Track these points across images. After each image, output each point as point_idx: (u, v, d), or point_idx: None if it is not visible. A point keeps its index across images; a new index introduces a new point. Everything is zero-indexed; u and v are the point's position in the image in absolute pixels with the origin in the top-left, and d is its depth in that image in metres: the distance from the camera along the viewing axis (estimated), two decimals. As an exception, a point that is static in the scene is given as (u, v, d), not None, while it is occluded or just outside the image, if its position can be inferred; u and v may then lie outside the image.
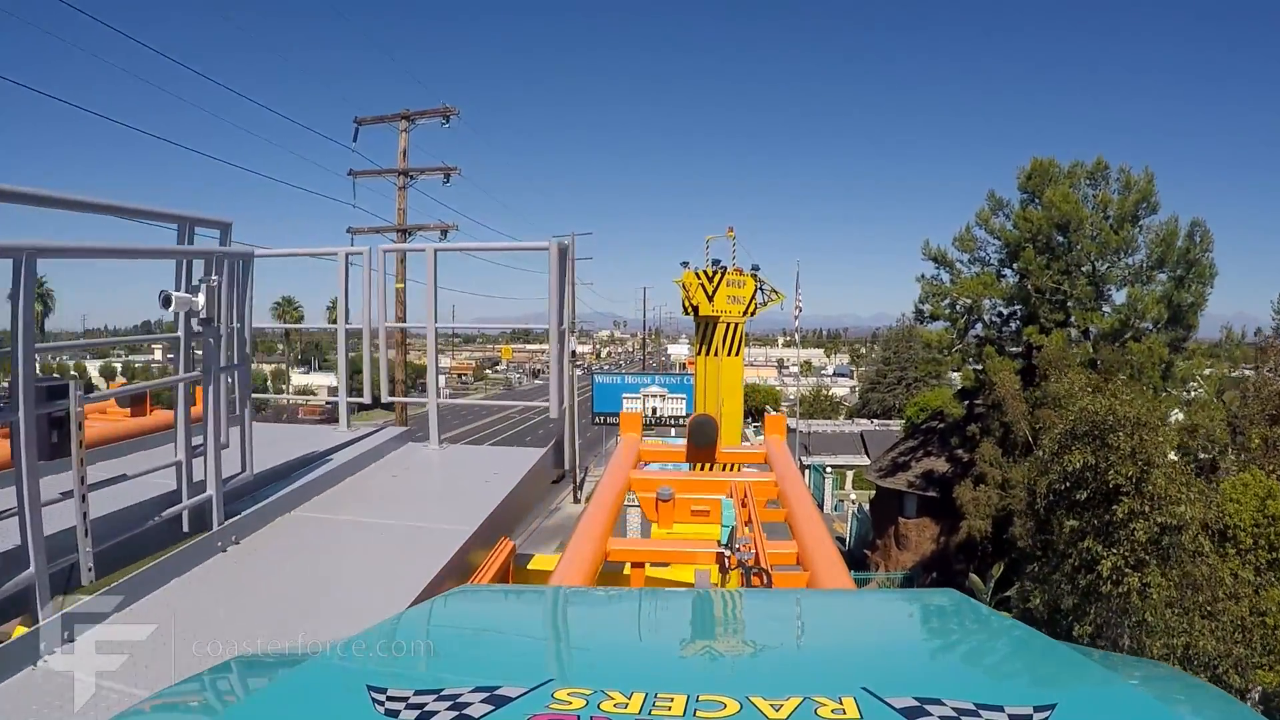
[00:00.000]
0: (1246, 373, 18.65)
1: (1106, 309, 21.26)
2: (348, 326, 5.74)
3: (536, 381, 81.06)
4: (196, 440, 3.51)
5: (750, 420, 30.16)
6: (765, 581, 2.77)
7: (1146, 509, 12.02)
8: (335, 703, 1.06)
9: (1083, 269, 21.10)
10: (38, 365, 2.77)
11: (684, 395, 28.29)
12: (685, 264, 15.59)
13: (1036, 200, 21.43)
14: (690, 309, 15.42)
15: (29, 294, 2.49)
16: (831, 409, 56.94)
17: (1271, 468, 14.14)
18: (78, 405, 2.70)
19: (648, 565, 3.75)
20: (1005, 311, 22.69)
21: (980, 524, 19.15)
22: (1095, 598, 12.63)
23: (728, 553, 2.99)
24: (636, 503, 4.87)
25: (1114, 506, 12.26)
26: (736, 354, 15.64)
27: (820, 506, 19.64)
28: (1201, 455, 14.95)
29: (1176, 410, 17.63)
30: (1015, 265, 21.67)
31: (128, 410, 6.02)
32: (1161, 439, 12.85)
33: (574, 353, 42.22)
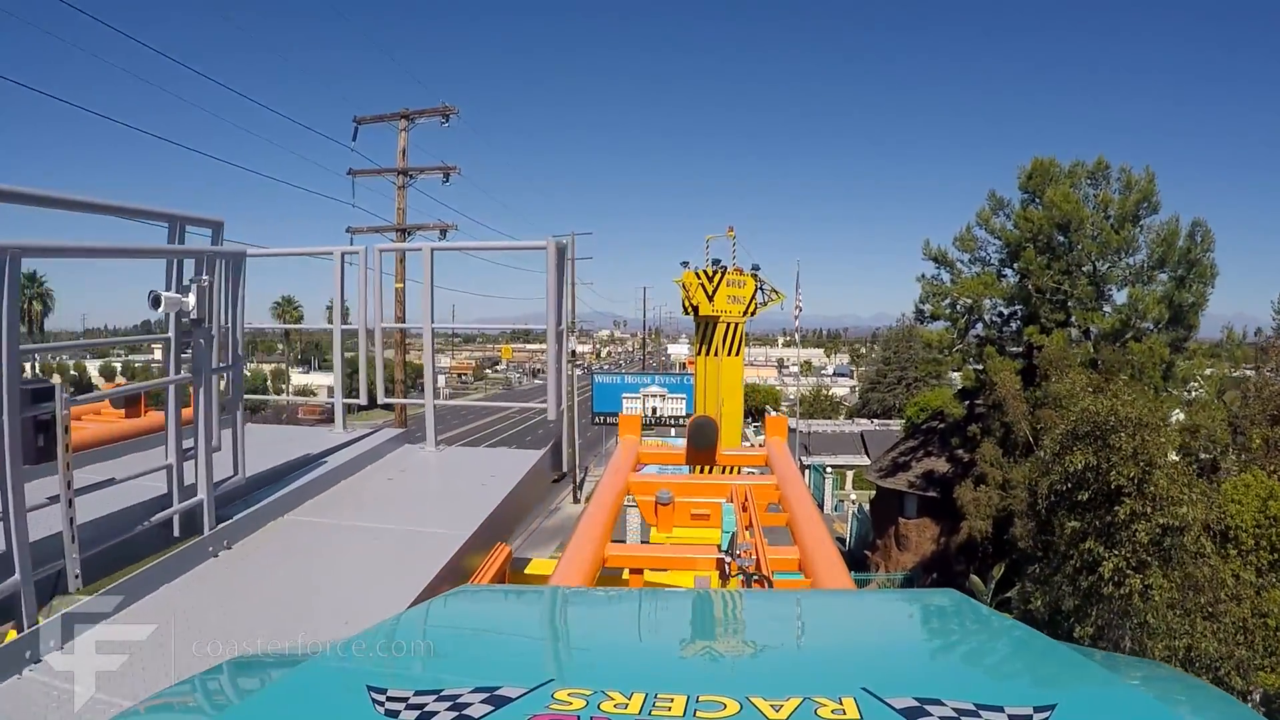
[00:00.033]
0: (1247, 373, 18.63)
1: (1107, 309, 21.23)
2: (345, 327, 5.69)
3: (536, 381, 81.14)
4: (188, 443, 3.46)
5: (750, 420, 30.15)
6: (767, 589, 2.72)
7: (1148, 510, 11.98)
8: (335, 703, 1.05)
9: (1083, 269, 21.06)
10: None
11: (684, 395, 28.28)
12: (685, 264, 15.57)
13: (1037, 200, 21.40)
14: (690, 309, 15.40)
15: (13, 294, 2.44)
16: (831, 409, 56.92)
17: (1273, 468, 14.10)
18: (64, 408, 2.64)
19: (646, 572, 3.69)
20: (1006, 311, 22.66)
21: (981, 525, 19.12)
22: (1097, 599, 12.59)
23: (728, 559, 2.94)
24: (636, 503, 4.82)
25: (1116, 507, 12.22)
26: (736, 354, 15.62)
27: (820, 507, 19.59)
28: (1203, 456, 14.91)
29: (1177, 410, 17.59)
30: (1016, 265, 21.63)
31: (122, 412, 5.99)
32: (1163, 439, 12.81)
33: (574, 352, 42.24)
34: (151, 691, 1.39)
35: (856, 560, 26.17)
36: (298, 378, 69.47)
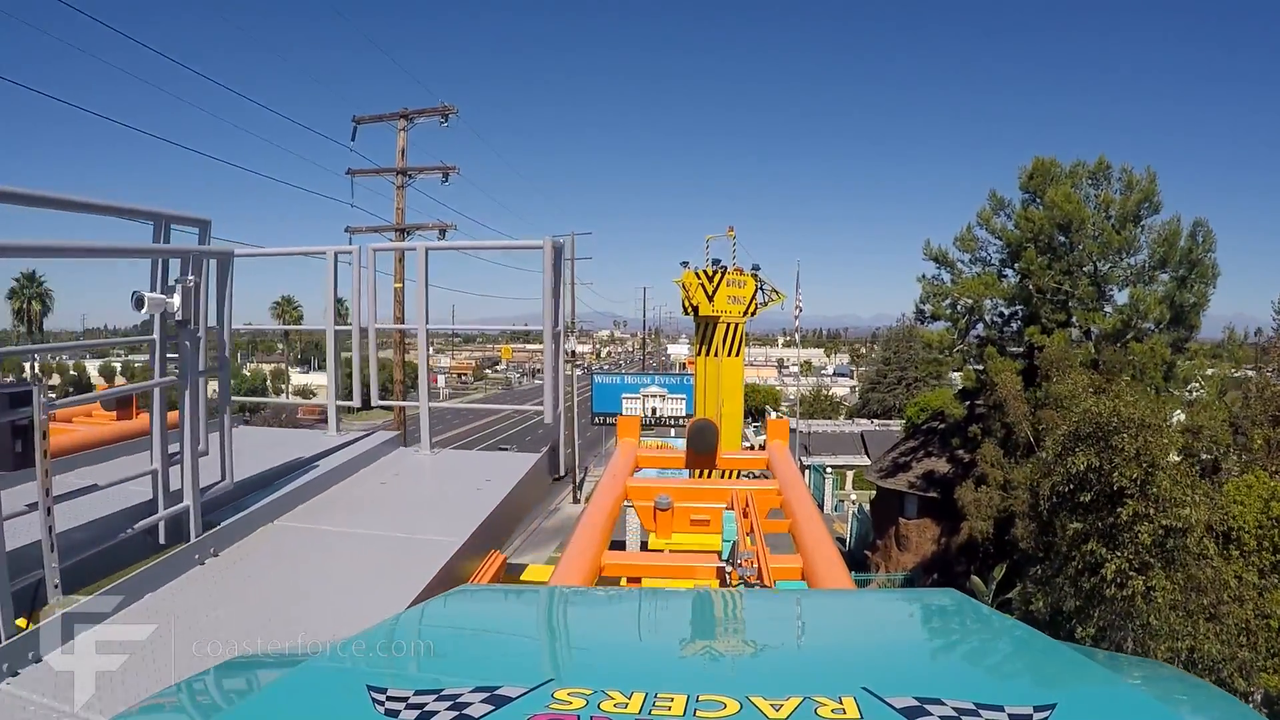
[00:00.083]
0: (1248, 373, 18.57)
1: (1108, 309, 21.15)
2: (340, 327, 5.60)
3: (536, 381, 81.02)
4: (174, 447, 3.37)
5: (750, 420, 30.09)
6: None
7: (1151, 511, 11.92)
8: (335, 703, 1.05)
9: (1084, 269, 20.99)
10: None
11: (684, 395, 28.25)
12: (685, 264, 15.52)
13: (1038, 200, 21.32)
14: (690, 309, 15.34)
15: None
16: (831, 409, 56.88)
17: (1274, 469, 14.05)
18: (42, 413, 2.56)
19: (644, 581, 3.61)
20: (1006, 312, 22.58)
21: (982, 525, 19.04)
22: (1099, 601, 12.52)
23: (729, 568, 2.86)
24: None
25: (1118, 509, 12.15)
26: (737, 354, 15.56)
27: (820, 507, 19.54)
28: (1204, 457, 14.85)
29: (1178, 411, 17.52)
30: (1017, 265, 21.56)
31: (114, 414, 5.90)
32: (1166, 441, 12.75)
33: (573, 352, 42.14)
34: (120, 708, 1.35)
35: (857, 560, 26.10)
36: (298, 378, 69.38)
